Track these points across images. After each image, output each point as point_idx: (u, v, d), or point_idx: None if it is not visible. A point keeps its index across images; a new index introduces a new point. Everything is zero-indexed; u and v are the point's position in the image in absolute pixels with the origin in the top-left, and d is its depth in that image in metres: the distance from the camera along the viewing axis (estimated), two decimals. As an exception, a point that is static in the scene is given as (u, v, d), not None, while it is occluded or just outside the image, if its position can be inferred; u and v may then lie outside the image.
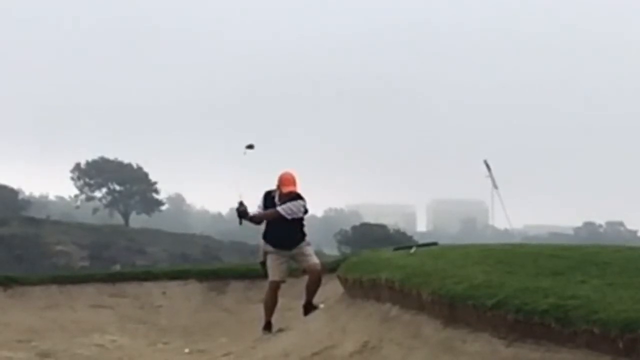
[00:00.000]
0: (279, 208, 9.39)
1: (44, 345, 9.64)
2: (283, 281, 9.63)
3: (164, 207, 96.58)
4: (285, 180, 9.49)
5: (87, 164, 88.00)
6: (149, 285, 12.24)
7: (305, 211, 9.59)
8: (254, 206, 9.60)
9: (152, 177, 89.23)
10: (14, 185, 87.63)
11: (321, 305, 9.36)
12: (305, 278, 9.66)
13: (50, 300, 11.69)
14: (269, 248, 9.56)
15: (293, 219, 9.45)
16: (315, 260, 9.58)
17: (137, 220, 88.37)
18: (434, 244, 9.49)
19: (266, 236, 9.61)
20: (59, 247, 61.64)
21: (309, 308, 9.52)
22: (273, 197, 9.51)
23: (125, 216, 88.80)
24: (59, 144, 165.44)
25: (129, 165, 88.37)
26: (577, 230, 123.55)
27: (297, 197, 9.48)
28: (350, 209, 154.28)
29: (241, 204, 9.43)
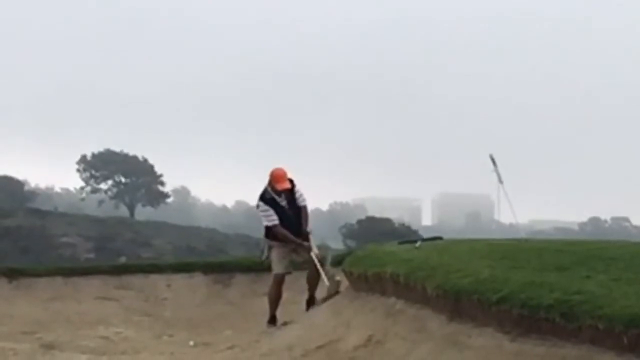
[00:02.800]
0: (303, 205, 9.57)
1: (49, 336, 9.65)
2: (289, 272, 9.62)
3: (169, 200, 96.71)
4: (278, 177, 9.42)
5: (93, 156, 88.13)
6: (154, 278, 12.24)
7: None
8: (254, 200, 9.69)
9: (158, 170, 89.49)
10: (19, 176, 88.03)
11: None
12: None
13: (55, 292, 11.71)
14: (274, 242, 9.54)
15: (296, 209, 9.51)
16: (316, 251, 9.58)
17: (143, 213, 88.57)
18: (439, 238, 9.47)
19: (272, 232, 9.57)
20: (64, 239, 61.79)
21: (311, 303, 9.52)
22: (273, 199, 9.45)
23: (131, 208, 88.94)
24: (65, 136, 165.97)
25: (135, 158, 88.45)
26: (582, 225, 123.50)
27: (292, 186, 9.56)
28: (355, 202, 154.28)
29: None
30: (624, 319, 4.42)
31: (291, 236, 9.41)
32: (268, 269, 9.78)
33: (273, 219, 9.40)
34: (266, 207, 9.42)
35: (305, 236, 9.47)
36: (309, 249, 9.41)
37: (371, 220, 74.66)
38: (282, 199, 9.42)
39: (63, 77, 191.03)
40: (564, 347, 4.79)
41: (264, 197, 9.48)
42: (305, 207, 9.60)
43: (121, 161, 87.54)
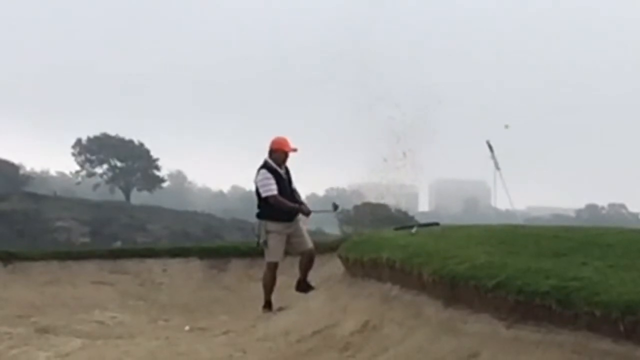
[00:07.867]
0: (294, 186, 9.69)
1: (44, 320, 9.64)
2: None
3: (165, 184, 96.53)
4: (284, 140, 9.54)
5: (89, 139, 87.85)
6: (149, 262, 12.23)
7: None
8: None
9: (154, 154, 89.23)
10: (14, 160, 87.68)
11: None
12: None
13: (50, 276, 11.69)
14: (275, 226, 9.46)
15: (292, 189, 9.60)
16: (311, 245, 9.63)
17: (138, 197, 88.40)
18: (436, 224, 9.47)
19: (272, 213, 9.52)
20: (59, 223, 61.67)
21: (302, 285, 9.55)
22: (276, 170, 9.43)
23: (127, 193, 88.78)
24: (60, 120, 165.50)
25: (131, 142, 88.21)
26: (579, 212, 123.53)
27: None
28: (352, 188, 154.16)
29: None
30: (620, 306, 4.41)
31: (289, 203, 9.41)
32: (262, 253, 9.76)
33: (272, 189, 9.31)
34: (269, 175, 9.35)
35: (304, 205, 9.62)
36: (308, 212, 9.52)
37: (367, 205, 74.55)
38: (283, 172, 9.44)
39: (58, 59, 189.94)
40: (560, 334, 4.78)
41: (267, 166, 9.46)
42: (297, 191, 9.74)
43: (117, 145, 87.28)
